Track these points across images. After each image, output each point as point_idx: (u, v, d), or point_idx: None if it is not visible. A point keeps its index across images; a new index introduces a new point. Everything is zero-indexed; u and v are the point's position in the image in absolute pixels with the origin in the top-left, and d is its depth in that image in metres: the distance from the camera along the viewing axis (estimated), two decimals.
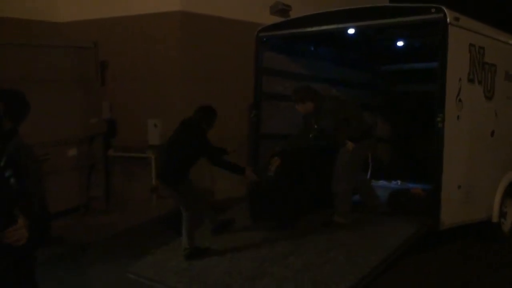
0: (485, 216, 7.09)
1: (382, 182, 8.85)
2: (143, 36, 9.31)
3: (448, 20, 5.96)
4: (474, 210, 6.87)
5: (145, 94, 9.29)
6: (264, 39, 7.58)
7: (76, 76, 8.64)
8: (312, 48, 8.54)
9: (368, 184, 7.22)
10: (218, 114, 6.31)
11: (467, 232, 7.17)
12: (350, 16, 6.86)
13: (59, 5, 10.01)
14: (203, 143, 6.01)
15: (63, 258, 6.70)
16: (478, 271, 6.37)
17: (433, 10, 6.07)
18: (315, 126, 6.89)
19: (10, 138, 3.53)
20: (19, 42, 7.89)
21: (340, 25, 6.96)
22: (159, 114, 9.06)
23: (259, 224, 6.64)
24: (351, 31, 7.15)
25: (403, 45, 8.31)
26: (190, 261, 5.79)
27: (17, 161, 3.42)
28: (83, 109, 8.66)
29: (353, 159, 6.64)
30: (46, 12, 9.72)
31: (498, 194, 7.26)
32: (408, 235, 6.05)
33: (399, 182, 8.89)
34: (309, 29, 7.14)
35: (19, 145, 3.52)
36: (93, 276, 6.03)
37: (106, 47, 9.14)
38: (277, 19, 9.32)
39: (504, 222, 7.49)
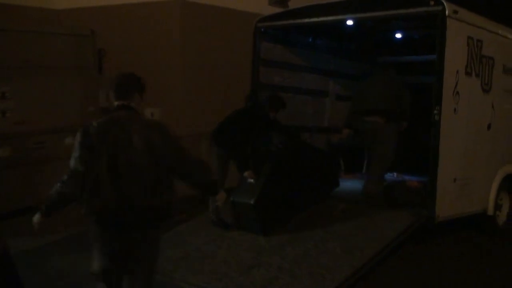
0: (480, 209, 7.13)
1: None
2: (142, 25, 9.27)
3: (447, 12, 5.96)
4: (470, 203, 6.90)
5: None
6: (262, 29, 7.57)
7: (73, 64, 8.59)
8: (310, 39, 8.54)
9: (374, 174, 7.42)
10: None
11: (463, 224, 7.21)
12: (348, 7, 6.85)
13: None
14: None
15: (57, 247, 6.72)
16: (472, 264, 6.41)
17: (432, 2, 6.06)
18: None
19: None
20: (19, 28, 7.83)
21: (339, 17, 6.95)
22: (157, 103, 9.02)
23: None
24: (349, 22, 7.16)
25: (401, 37, 8.31)
26: (187, 251, 5.81)
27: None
28: (80, 97, 8.62)
29: None
30: None
31: (494, 187, 7.29)
32: (403, 227, 6.09)
33: (395, 174, 8.90)
34: (307, 20, 7.12)
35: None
36: (83, 266, 6.00)
37: (104, 35, 9.08)
38: (277, 10, 9.30)
39: (499, 215, 7.54)
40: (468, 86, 6.50)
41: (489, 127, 7.06)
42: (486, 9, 7.61)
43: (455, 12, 6.09)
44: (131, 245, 3.72)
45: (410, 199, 7.05)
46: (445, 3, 5.96)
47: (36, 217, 3.73)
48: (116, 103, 3.78)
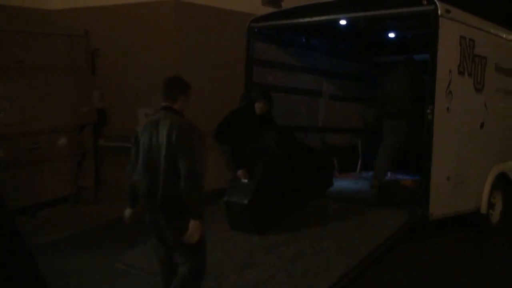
0: (473, 207, 7.15)
1: (372, 173, 8.88)
2: (136, 25, 9.26)
3: (439, 12, 5.98)
4: (463, 201, 6.92)
5: (136, 83, 9.24)
6: (256, 29, 7.58)
7: (67, 65, 8.59)
8: (304, 39, 8.55)
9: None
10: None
11: (456, 223, 7.23)
12: (341, 7, 6.87)
13: None
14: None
15: (57, 247, 6.71)
16: (472, 264, 6.42)
17: (424, 2, 6.08)
18: None
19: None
20: (11, 28, 7.81)
21: (332, 16, 6.97)
22: (150, 103, 9.01)
23: None
24: (342, 22, 7.18)
25: (395, 37, 8.33)
26: None
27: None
28: (74, 98, 8.61)
29: None
30: None
31: (487, 185, 7.32)
32: (398, 226, 6.10)
33: (389, 173, 8.93)
34: (300, 20, 7.14)
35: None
36: (81, 266, 6.02)
37: (98, 36, 9.08)
38: (270, 10, 9.31)
39: (492, 213, 7.56)
40: (461, 85, 6.52)
41: (482, 126, 7.08)
42: (482, 8, 7.64)
43: (448, 11, 6.12)
44: (160, 229, 4.16)
45: (404, 198, 7.08)
46: (437, 3, 5.98)
47: (127, 212, 4.34)
48: (162, 104, 4.30)
